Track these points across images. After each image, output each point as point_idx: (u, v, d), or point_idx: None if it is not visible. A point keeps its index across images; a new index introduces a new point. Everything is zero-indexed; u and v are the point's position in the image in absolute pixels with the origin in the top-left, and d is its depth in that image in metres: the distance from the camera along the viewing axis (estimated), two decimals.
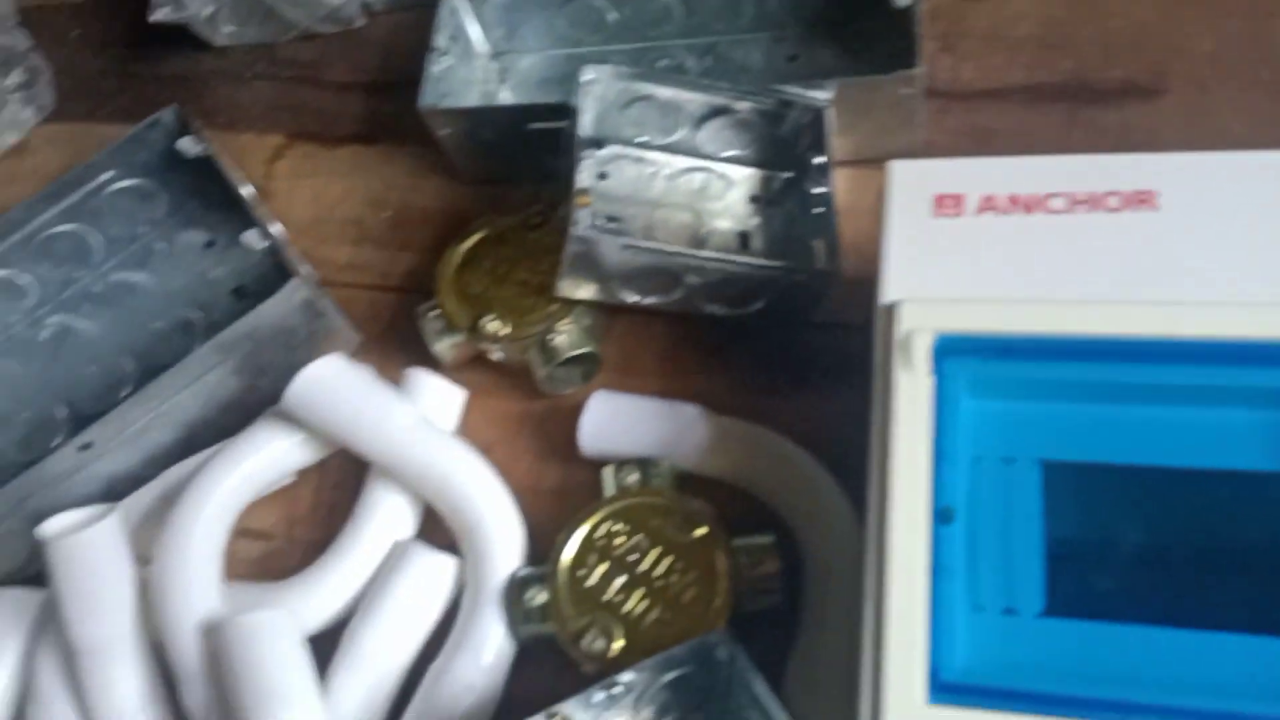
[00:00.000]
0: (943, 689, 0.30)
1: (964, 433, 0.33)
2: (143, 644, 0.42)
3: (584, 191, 0.40)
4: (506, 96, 0.55)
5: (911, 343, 0.33)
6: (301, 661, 0.38)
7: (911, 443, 0.32)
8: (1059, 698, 0.29)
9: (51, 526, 0.41)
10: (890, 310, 0.34)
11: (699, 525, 0.40)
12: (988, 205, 0.36)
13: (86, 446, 0.45)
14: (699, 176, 0.48)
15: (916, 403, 0.33)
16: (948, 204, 0.36)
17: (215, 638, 0.38)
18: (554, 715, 0.35)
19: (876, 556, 0.32)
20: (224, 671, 0.37)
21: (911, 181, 0.36)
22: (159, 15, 0.56)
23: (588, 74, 0.43)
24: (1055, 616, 0.31)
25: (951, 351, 0.33)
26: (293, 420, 0.44)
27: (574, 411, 0.46)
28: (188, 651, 0.40)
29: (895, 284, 0.35)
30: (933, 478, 0.32)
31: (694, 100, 0.45)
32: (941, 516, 0.32)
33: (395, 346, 0.50)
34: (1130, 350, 0.33)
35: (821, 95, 0.44)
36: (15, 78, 0.61)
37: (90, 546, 0.40)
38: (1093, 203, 0.35)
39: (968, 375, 0.33)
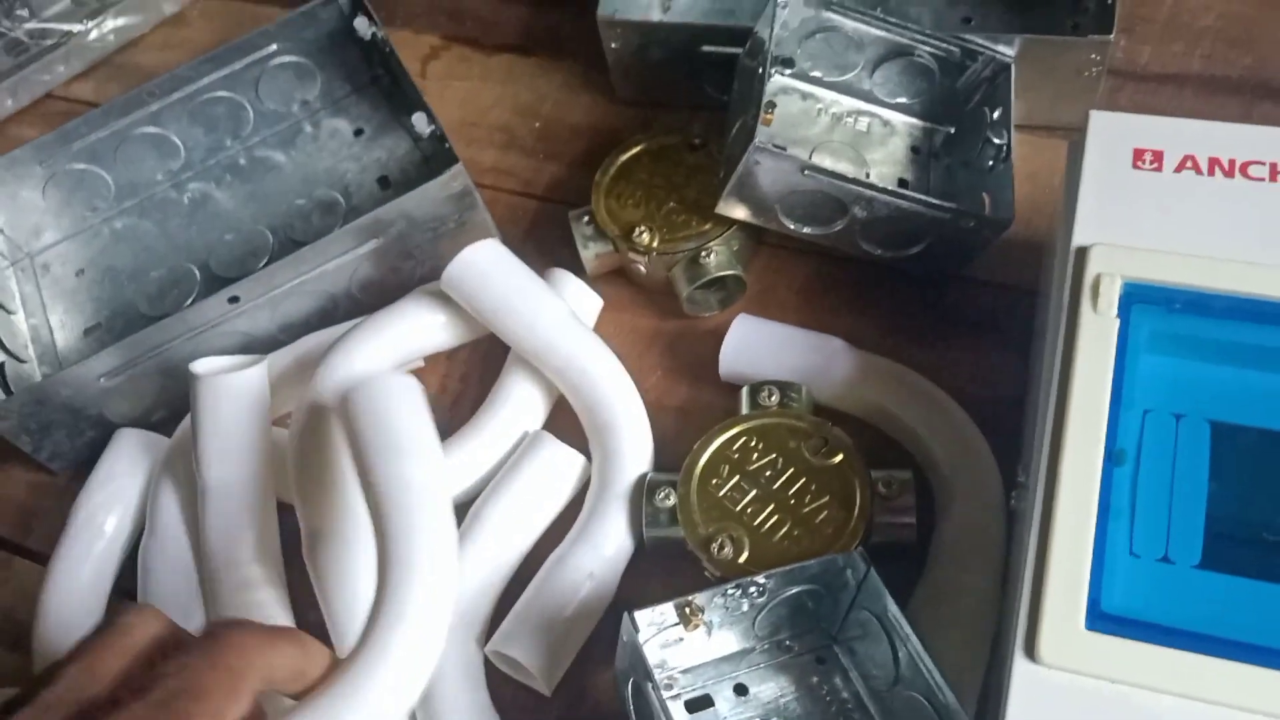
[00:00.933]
0: (1101, 618, 0.30)
1: (1141, 381, 0.33)
2: (269, 495, 0.43)
3: (771, 106, 0.40)
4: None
5: (1100, 285, 0.33)
6: (427, 421, 0.36)
7: (1092, 382, 0.32)
8: (1213, 638, 0.29)
9: (201, 366, 0.42)
10: (1080, 253, 0.34)
11: (837, 451, 0.40)
12: (1188, 164, 0.35)
13: (235, 300, 0.46)
14: (864, 120, 0.48)
15: (1100, 345, 0.33)
16: (1147, 158, 0.36)
17: (348, 398, 0.36)
18: (686, 604, 0.35)
19: (1045, 489, 0.32)
20: (353, 430, 0.36)
21: (1112, 132, 0.36)
22: None
23: None
24: (1210, 570, 0.31)
25: (1138, 298, 0.33)
26: (442, 300, 0.45)
27: (706, 335, 0.47)
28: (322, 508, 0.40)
29: (1087, 228, 0.35)
30: (1109, 418, 0.32)
31: (877, 38, 0.45)
32: (1115, 458, 0.32)
33: (532, 252, 0.51)
34: None
35: (1007, 48, 0.44)
36: None
37: (239, 390, 0.41)
38: None
39: (1151, 324, 0.33)
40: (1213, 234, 0.34)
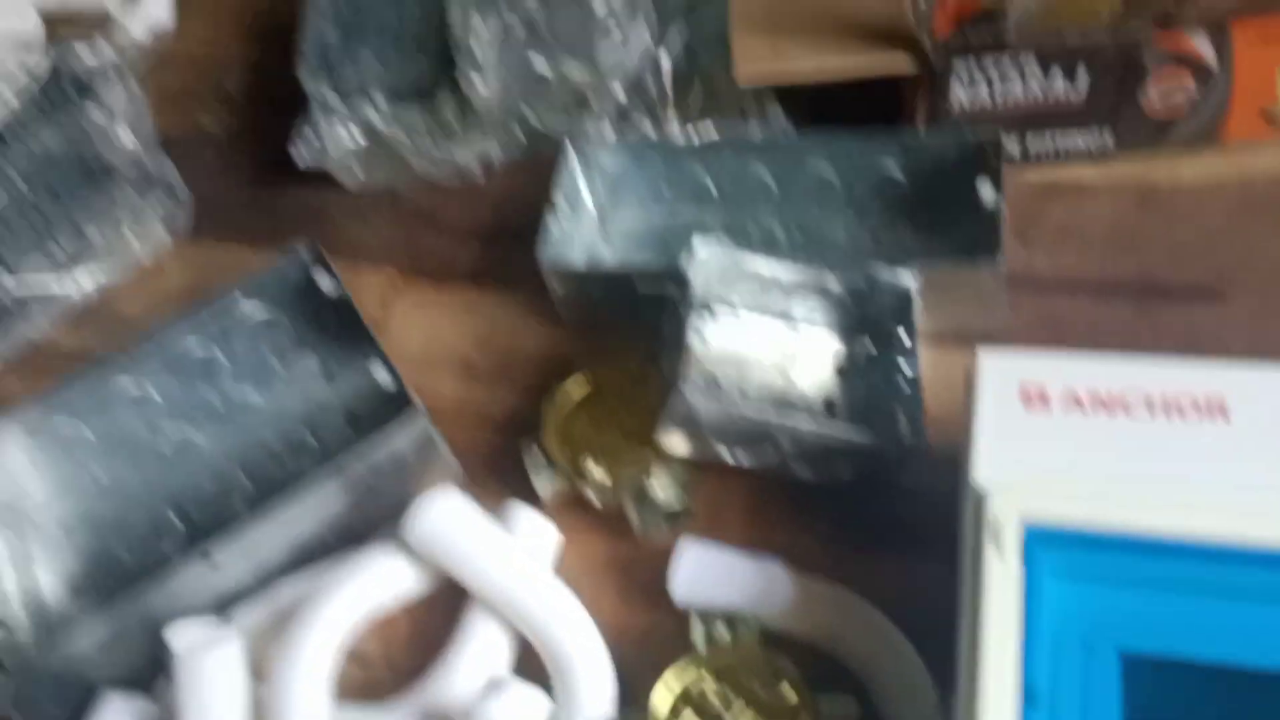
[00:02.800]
0: None
1: (1049, 617, 0.36)
2: None
3: (692, 355, 0.44)
4: (608, 251, 0.59)
5: (1002, 531, 0.36)
6: None
7: (1001, 626, 0.35)
8: None
9: (177, 636, 0.44)
10: (980, 494, 0.37)
11: (788, 687, 0.42)
12: (1071, 401, 0.39)
13: (207, 555, 0.48)
14: (790, 342, 0.51)
15: (1007, 588, 0.35)
16: (1034, 397, 0.39)
17: None
18: None
19: None
20: None
21: (1000, 372, 0.40)
22: (303, 160, 0.62)
23: (700, 249, 0.48)
24: None
25: (1040, 542, 0.36)
26: (405, 550, 0.47)
27: (661, 556, 0.49)
28: None
29: (985, 469, 0.38)
30: (1022, 659, 0.34)
31: (790, 275, 0.50)
32: (1031, 698, 0.34)
33: (493, 480, 0.54)
34: (1209, 553, 0.35)
35: (908, 277, 0.48)
36: (158, 201, 0.66)
37: (215, 666, 0.43)
38: (1168, 408, 0.38)
39: (1054, 564, 0.36)
40: (1100, 470, 0.37)
